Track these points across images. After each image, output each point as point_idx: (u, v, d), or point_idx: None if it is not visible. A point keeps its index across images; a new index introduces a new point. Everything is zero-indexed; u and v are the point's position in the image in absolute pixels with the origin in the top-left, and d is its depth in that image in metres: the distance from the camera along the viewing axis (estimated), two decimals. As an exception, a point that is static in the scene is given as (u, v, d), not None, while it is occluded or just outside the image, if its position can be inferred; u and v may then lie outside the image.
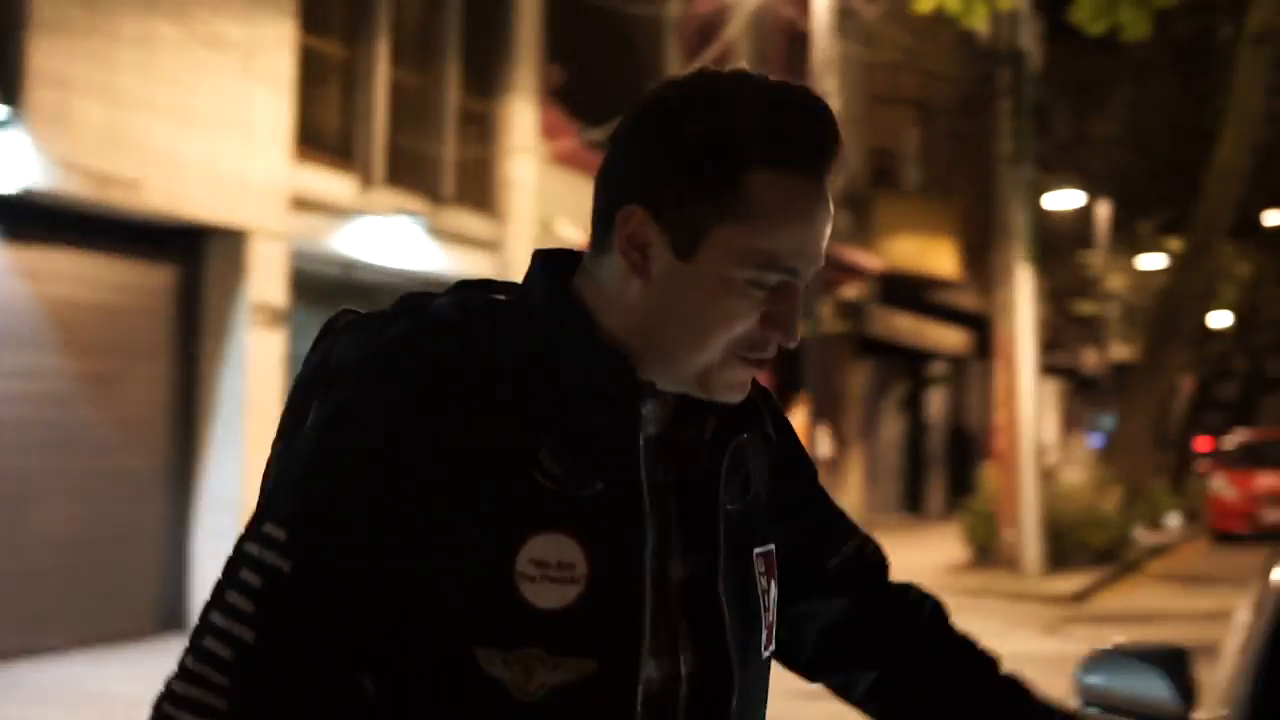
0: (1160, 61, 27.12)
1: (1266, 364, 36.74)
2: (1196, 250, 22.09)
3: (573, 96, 16.87)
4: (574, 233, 16.43)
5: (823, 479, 1.90)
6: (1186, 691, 2.92)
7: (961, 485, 26.38)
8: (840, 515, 1.88)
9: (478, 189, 15.63)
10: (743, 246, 1.51)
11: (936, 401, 31.47)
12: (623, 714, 1.51)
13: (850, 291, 23.29)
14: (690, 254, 1.52)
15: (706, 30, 18.19)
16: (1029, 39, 19.61)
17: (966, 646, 1.88)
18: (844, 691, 1.88)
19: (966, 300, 27.87)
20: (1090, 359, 36.88)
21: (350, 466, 1.48)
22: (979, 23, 11.58)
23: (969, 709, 1.85)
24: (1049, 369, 31.13)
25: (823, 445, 18.65)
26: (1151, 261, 30.46)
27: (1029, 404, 18.41)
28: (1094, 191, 29.07)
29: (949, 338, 29.18)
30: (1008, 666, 1.90)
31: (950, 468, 30.42)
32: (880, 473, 27.36)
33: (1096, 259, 30.57)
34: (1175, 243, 26.12)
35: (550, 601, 1.47)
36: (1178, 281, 23.11)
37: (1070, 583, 17.22)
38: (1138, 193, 30.36)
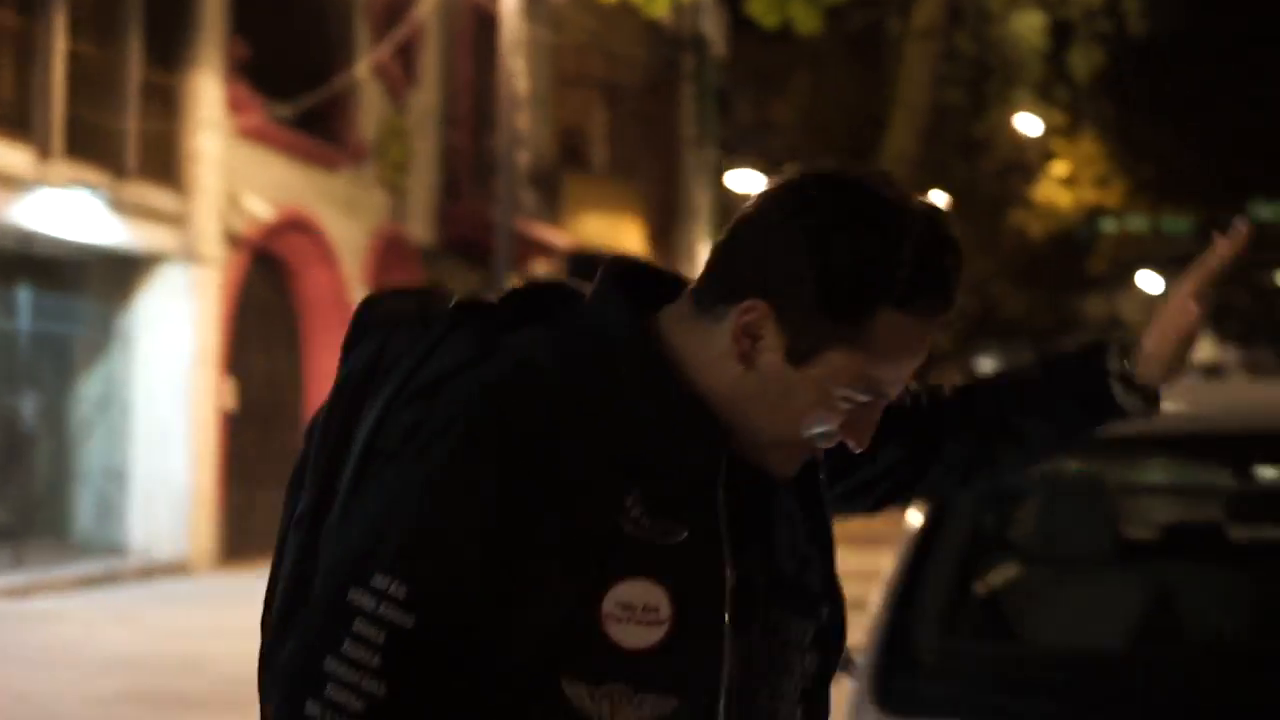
0: (836, 52, 28.20)
1: (935, 340, 38.57)
2: (869, 232, 23.08)
3: (260, 71, 16.70)
4: (261, 206, 16.30)
5: None
6: None
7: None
8: None
9: (161, 162, 15.37)
10: (852, 371, 1.56)
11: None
12: None
13: (539, 268, 23.61)
14: (801, 364, 1.56)
15: (395, 10, 18.23)
16: (712, 27, 20.25)
17: (990, 382, 1.98)
18: (917, 497, 2.00)
19: (652, 279, 28.50)
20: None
21: (467, 522, 1.53)
22: (660, 11, 11.98)
23: (1036, 405, 1.92)
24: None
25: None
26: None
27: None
28: (774, 174, 29.98)
29: (636, 315, 29.80)
30: None
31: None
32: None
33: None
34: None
35: (636, 642, 1.54)
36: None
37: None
38: (815, 176, 31.45)
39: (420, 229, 20.47)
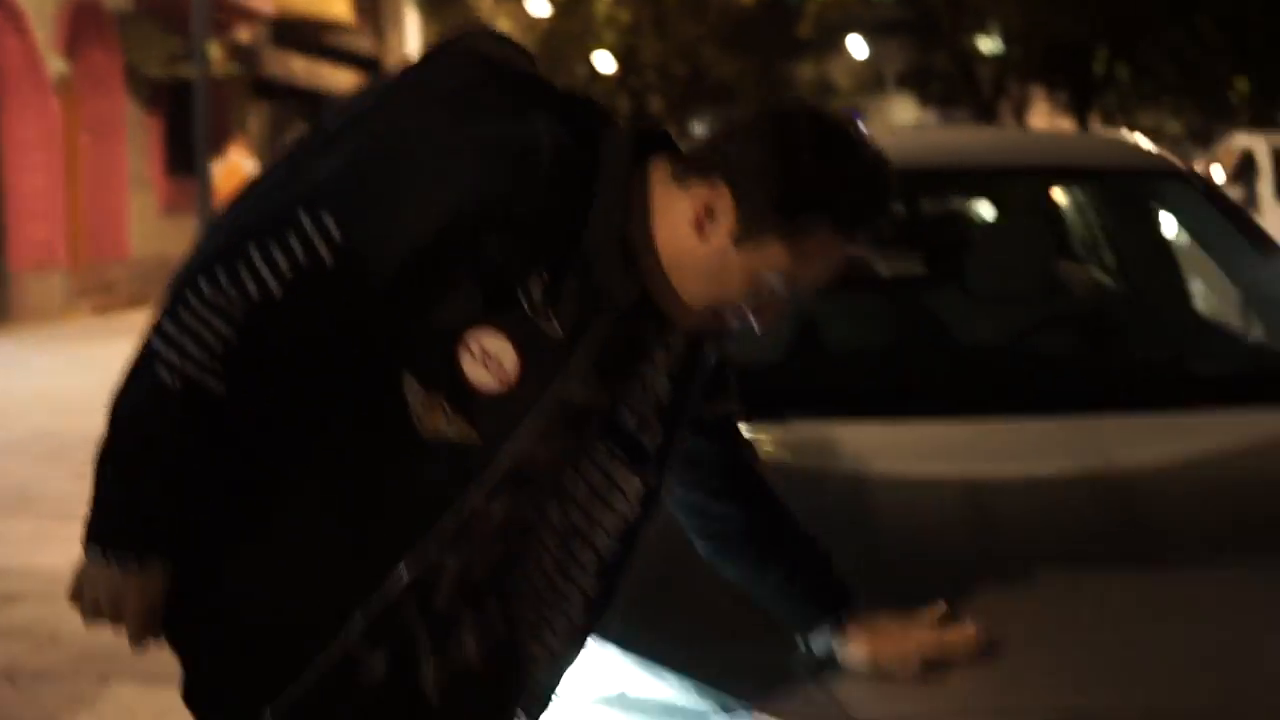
0: None
1: (648, 104, 38.93)
2: (577, -5, 23.12)
3: None
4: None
5: None
6: None
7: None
8: (732, 392, 2.22)
9: None
10: (780, 263, 1.89)
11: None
12: (480, 477, 1.88)
13: (243, 34, 23.01)
14: (742, 245, 1.88)
15: None
16: None
17: (776, 513, 2.26)
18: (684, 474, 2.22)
19: (361, 43, 28.01)
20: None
21: (422, 214, 1.81)
22: None
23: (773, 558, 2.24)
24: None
25: (249, 165, 18.23)
26: (537, 6, 31.47)
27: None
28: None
29: (344, 80, 29.31)
30: None
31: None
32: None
33: (485, 2, 31.28)
34: (558, -12, 27.09)
35: (474, 379, 1.84)
36: (560, 25, 24.16)
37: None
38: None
39: (115, -7, 19.69)
